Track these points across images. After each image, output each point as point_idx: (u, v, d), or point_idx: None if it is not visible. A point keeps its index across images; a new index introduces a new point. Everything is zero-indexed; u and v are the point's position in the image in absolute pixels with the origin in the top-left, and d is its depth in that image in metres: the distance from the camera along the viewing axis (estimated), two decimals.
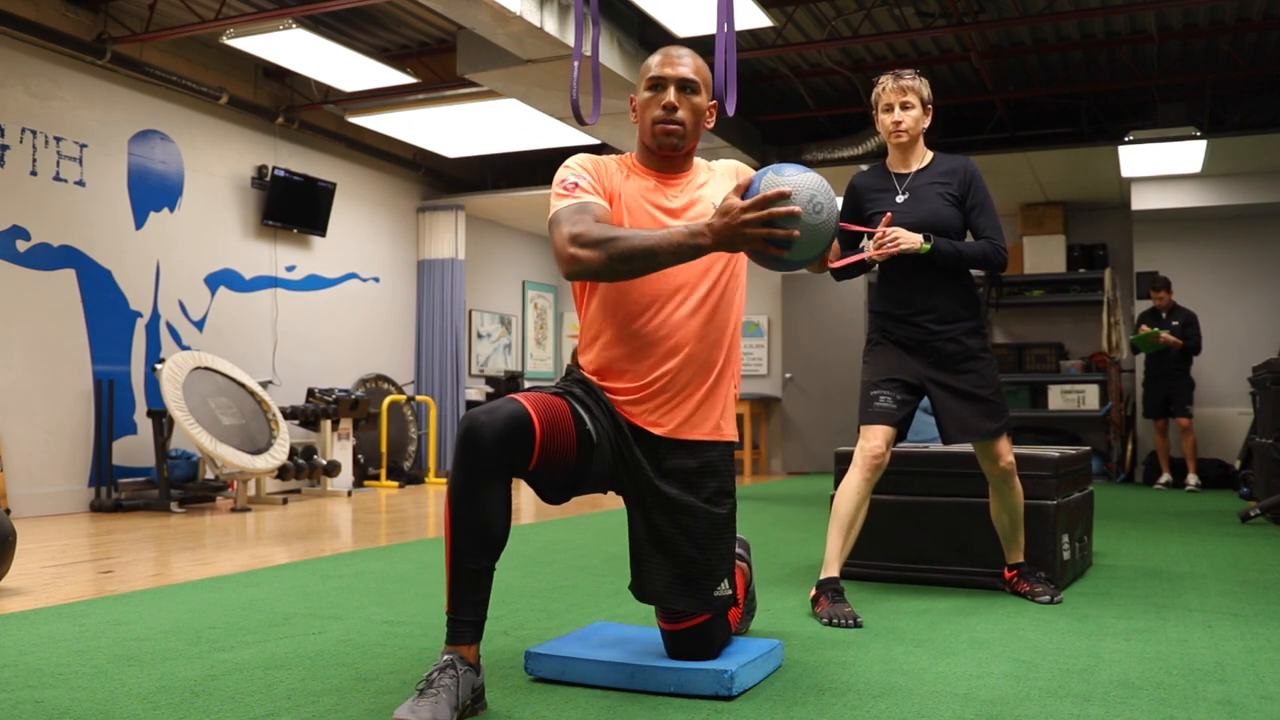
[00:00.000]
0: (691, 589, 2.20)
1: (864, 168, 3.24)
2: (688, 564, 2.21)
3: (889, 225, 3.03)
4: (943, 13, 6.73)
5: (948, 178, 3.17)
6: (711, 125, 2.37)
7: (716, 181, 2.36)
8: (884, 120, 3.19)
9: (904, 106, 3.15)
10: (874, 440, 3.09)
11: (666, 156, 2.32)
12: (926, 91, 3.18)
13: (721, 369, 2.29)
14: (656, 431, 2.24)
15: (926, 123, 3.19)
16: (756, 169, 2.20)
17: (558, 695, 2.15)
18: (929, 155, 3.23)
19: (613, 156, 2.38)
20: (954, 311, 3.15)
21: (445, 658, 1.96)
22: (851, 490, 3.06)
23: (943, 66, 7.89)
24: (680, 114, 2.26)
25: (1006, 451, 3.16)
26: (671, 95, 2.26)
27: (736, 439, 2.34)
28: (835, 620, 2.85)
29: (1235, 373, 8.68)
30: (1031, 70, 8.04)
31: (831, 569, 3.03)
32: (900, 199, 3.17)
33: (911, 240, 3.02)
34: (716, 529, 2.23)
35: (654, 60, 2.31)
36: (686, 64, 2.28)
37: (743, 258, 2.33)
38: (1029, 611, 3.07)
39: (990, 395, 3.13)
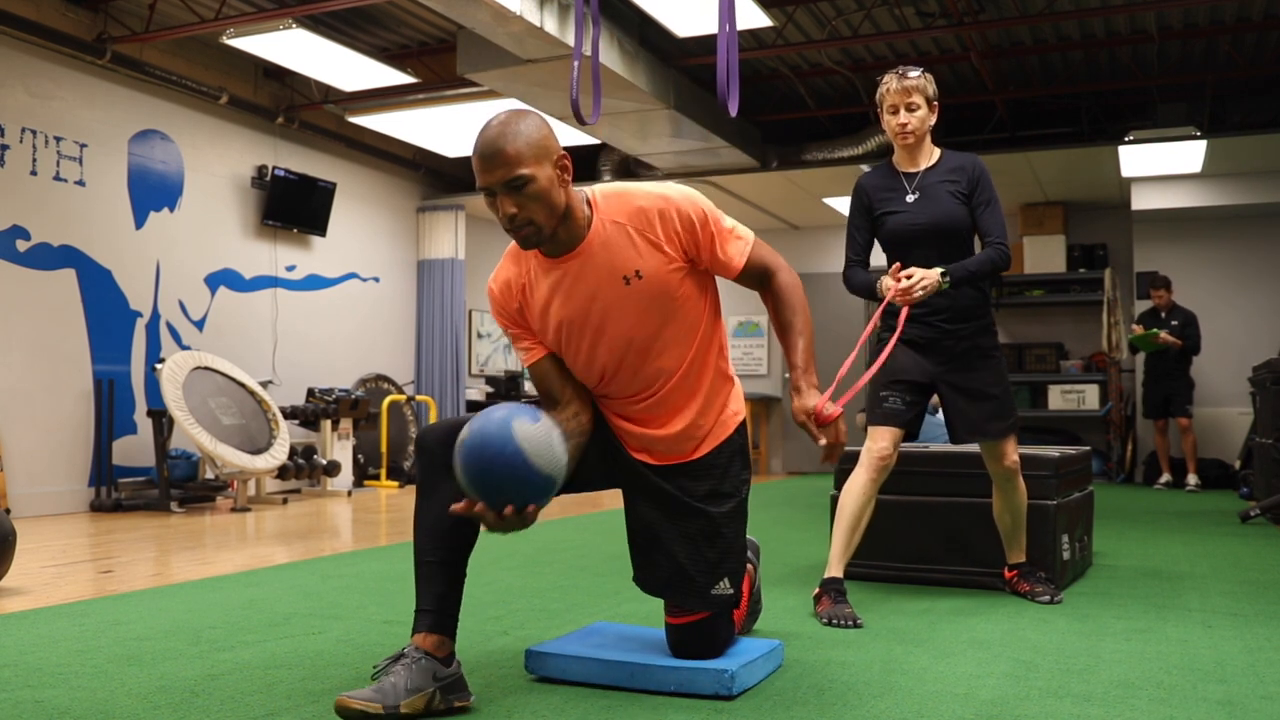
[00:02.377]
0: (688, 585, 2.21)
1: (865, 168, 3.22)
2: (684, 560, 2.21)
3: (901, 273, 2.97)
4: (943, 13, 6.73)
5: (956, 175, 3.14)
6: (567, 183, 2.07)
7: (610, 243, 2.12)
8: (890, 122, 3.14)
9: (909, 108, 3.10)
10: (882, 441, 3.09)
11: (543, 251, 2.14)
12: (932, 89, 3.13)
13: (649, 389, 2.23)
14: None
15: (933, 120, 3.15)
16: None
17: (558, 695, 2.15)
18: (936, 153, 3.20)
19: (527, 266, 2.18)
20: (966, 310, 3.15)
21: (403, 647, 2.03)
22: (858, 490, 3.06)
23: (943, 66, 7.88)
24: (523, 215, 2.01)
25: (1012, 450, 3.16)
26: (505, 205, 2.01)
27: (695, 457, 2.25)
28: (835, 621, 2.85)
29: (1235, 373, 8.68)
30: (1031, 70, 8.04)
31: (835, 569, 3.03)
32: (910, 198, 3.14)
33: (932, 282, 2.97)
34: (713, 527, 2.22)
35: (475, 162, 2.02)
36: (499, 161, 1.98)
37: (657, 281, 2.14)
38: (1029, 611, 3.07)
39: (1001, 394, 3.14)
